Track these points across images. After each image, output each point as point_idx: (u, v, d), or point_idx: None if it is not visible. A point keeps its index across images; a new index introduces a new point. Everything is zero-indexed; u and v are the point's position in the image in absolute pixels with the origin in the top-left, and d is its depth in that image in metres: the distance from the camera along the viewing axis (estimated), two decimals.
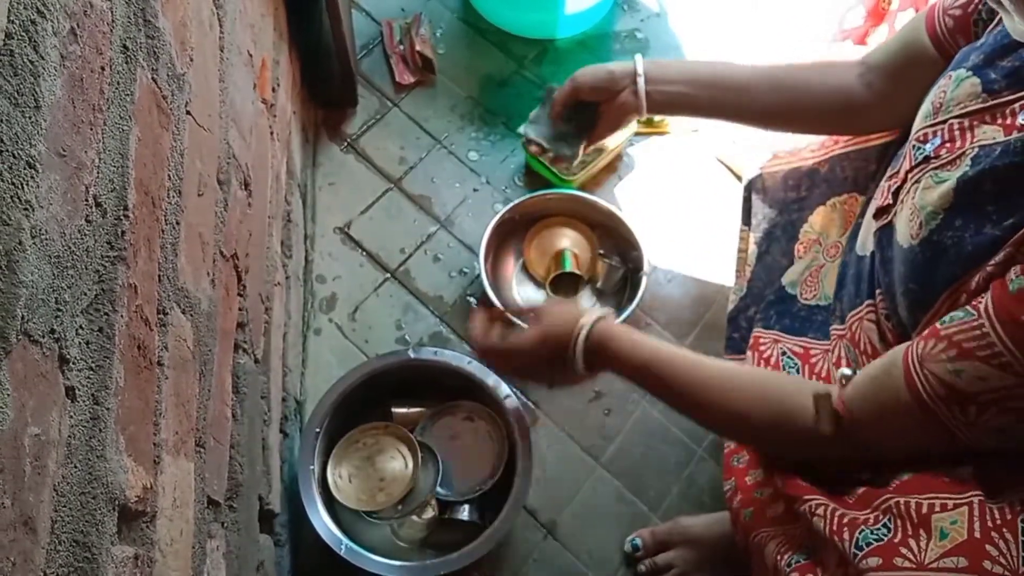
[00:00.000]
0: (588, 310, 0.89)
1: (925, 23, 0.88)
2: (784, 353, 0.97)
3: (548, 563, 1.14)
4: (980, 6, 0.82)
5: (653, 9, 1.60)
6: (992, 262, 0.66)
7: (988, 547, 0.59)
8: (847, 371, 0.76)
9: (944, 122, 0.76)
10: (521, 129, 1.14)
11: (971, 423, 0.64)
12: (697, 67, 1.04)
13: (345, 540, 1.02)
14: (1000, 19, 0.76)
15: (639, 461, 1.21)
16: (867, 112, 0.96)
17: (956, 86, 0.77)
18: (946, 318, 0.67)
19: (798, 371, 0.95)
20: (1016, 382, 0.61)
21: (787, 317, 1.00)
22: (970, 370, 0.63)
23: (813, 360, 0.95)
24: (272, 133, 1.06)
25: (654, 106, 1.01)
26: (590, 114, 1.08)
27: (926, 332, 0.68)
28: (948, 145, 0.75)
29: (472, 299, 1.31)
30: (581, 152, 1.11)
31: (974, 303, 0.65)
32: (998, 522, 0.60)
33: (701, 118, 1.19)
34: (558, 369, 0.90)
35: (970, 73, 0.76)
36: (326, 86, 1.38)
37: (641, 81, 1.00)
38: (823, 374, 0.92)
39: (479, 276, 1.27)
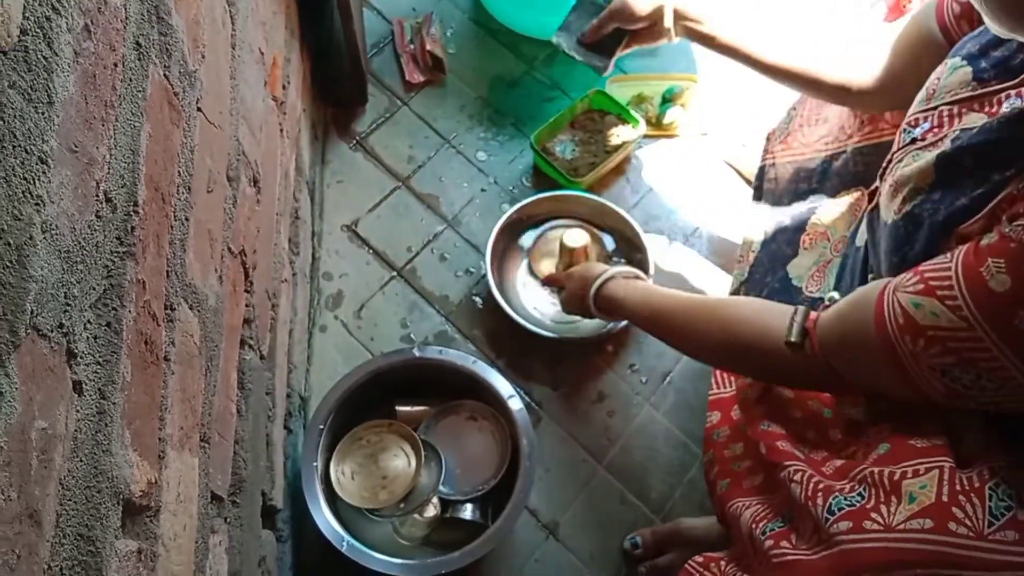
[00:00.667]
0: (599, 272, 1.06)
1: (935, 9, 0.90)
2: None
3: (549, 563, 1.14)
4: None
5: None
6: (964, 227, 0.69)
7: (955, 509, 0.62)
8: (835, 295, 0.81)
9: (935, 108, 0.79)
10: (554, 39, 1.20)
11: (917, 355, 0.67)
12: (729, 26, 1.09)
13: (347, 537, 1.02)
14: None
15: (641, 463, 1.21)
16: (877, 93, 0.99)
17: (950, 73, 0.79)
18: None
19: None
20: (963, 326, 0.63)
21: (787, 303, 1.02)
22: (927, 305, 0.66)
23: None
24: (282, 130, 1.06)
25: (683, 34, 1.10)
26: (620, 31, 1.14)
27: (913, 267, 0.71)
28: (935, 130, 0.78)
29: (478, 299, 1.31)
30: (611, 66, 1.17)
31: (954, 251, 0.68)
32: (966, 487, 0.63)
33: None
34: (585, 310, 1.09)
35: (964, 62, 0.78)
36: (336, 84, 1.39)
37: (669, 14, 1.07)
38: None
39: (485, 276, 1.27)
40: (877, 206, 0.84)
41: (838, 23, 1.16)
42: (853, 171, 1.06)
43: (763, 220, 1.16)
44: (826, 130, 1.10)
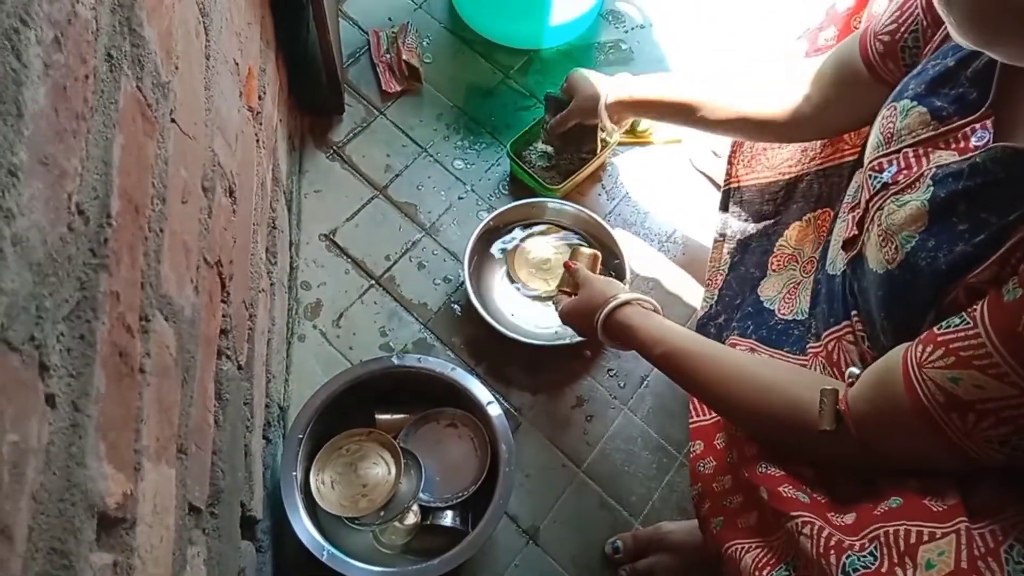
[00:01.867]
0: (617, 292, 1.01)
1: (859, 44, 0.92)
2: None
3: (530, 569, 1.14)
4: (907, 35, 0.86)
5: (637, 20, 1.61)
6: (973, 276, 0.66)
7: None
8: (855, 370, 0.76)
9: (898, 151, 0.78)
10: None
11: (969, 431, 0.64)
12: (654, 85, 1.18)
13: (327, 546, 1.02)
14: (936, 45, 0.81)
15: (621, 467, 1.21)
16: (804, 123, 1.02)
17: (904, 115, 0.79)
18: (943, 323, 0.67)
19: None
20: (1014, 393, 0.61)
21: (764, 329, 1.02)
22: (967, 379, 0.63)
23: None
24: (258, 141, 1.06)
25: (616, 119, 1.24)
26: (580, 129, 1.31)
27: (924, 336, 0.68)
28: (905, 171, 0.77)
29: (456, 306, 1.32)
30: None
31: (969, 310, 0.65)
32: (983, 551, 0.60)
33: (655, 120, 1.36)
34: (588, 331, 1.04)
35: (915, 103, 0.78)
36: (313, 94, 1.39)
37: (602, 105, 1.21)
38: None
39: (463, 283, 1.28)
40: (860, 255, 0.83)
41: (764, 57, 1.21)
42: (817, 192, 1.07)
43: (729, 239, 1.17)
44: (789, 153, 1.12)
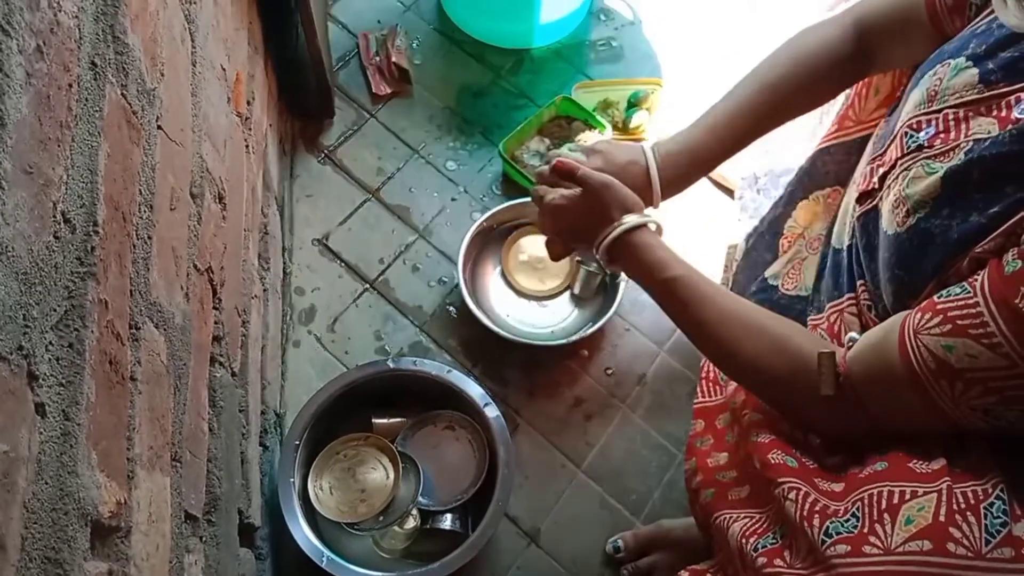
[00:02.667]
0: (634, 207, 0.91)
1: None
2: None
3: (531, 570, 1.14)
4: None
5: (628, 18, 1.61)
6: (979, 247, 0.66)
7: (952, 529, 0.60)
8: (855, 335, 0.76)
9: (939, 111, 0.76)
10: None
11: (956, 399, 0.65)
12: (697, 136, 0.98)
13: (327, 552, 1.02)
14: None
15: (620, 466, 1.21)
16: (853, 69, 0.95)
17: (954, 75, 0.76)
18: (943, 292, 0.67)
19: None
20: (1005, 364, 0.61)
21: (768, 304, 1.01)
22: (961, 347, 0.63)
23: None
24: (247, 146, 1.06)
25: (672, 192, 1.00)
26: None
27: (924, 304, 0.68)
28: (943, 136, 0.75)
29: (452, 308, 1.31)
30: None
31: (970, 280, 0.65)
32: (963, 506, 0.61)
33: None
34: (582, 239, 0.94)
35: (969, 63, 0.75)
36: (303, 98, 1.39)
37: (656, 184, 0.97)
38: None
39: (458, 285, 1.28)
40: (875, 209, 0.82)
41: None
42: (823, 171, 1.06)
43: (743, 226, 1.16)
44: (799, 136, 1.10)
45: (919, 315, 0.68)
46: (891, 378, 0.69)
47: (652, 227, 0.92)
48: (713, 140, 0.97)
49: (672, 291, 0.87)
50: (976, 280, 0.64)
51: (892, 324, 0.71)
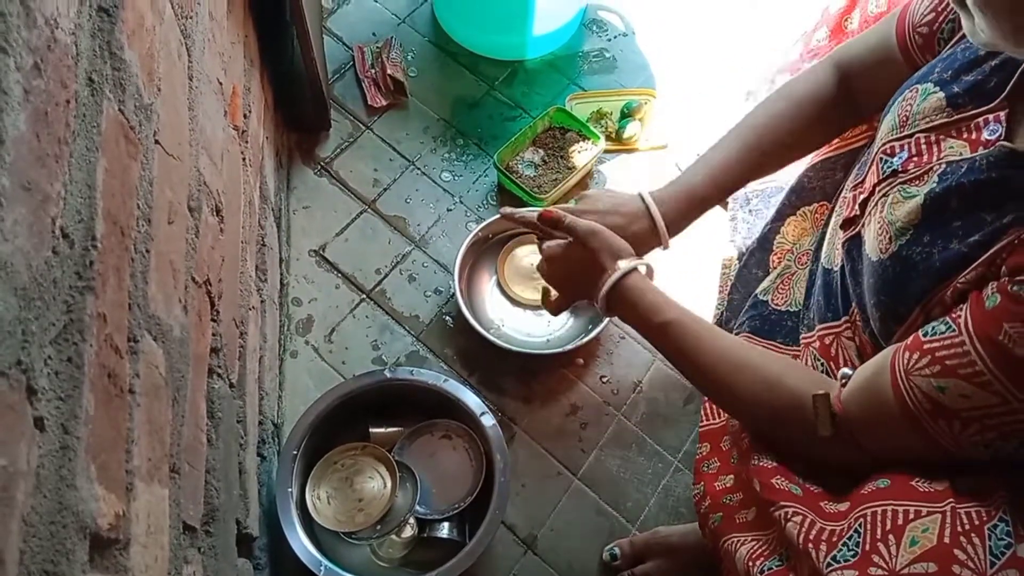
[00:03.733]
0: (628, 256, 0.92)
1: (896, 31, 0.88)
2: None
3: None
4: (944, 24, 0.83)
5: (620, 29, 1.63)
6: (962, 277, 0.67)
7: (956, 551, 0.60)
8: (848, 371, 0.76)
9: (911, 136, 0.78)
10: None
11: (956, 436, 0.65)
12: (692, 178, 1.01)
13: (324, 562, 1.02)
14: (963, 35, 0.77)
15: (616, 473, 1.22)
16: (840, 112, 0.97)
17: (923, 99, 0.78)
18: (928, 328, 0.67)
19: None
20: (998, 401, 0.61)
21: (757, 320, 1.02)
22: (953, 387, 0.63)
23: None
24: (244, 159, 1.07)
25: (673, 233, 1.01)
26: None
27: (910, 341, 0.68)
28: (915, 159, 0.76)
29: (448, 317, 1.32)
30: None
31: (954, 315, 0.65)
32: (967, 527, 0.61)
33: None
34: (581, 292, 0.96)
35: (936, 88, 0.77)
36: (299, 111, 1.40)
37: (660, 222, 0.98)
38: None
39: (454, 295, 1.28)
40: (858, 235, 0.82)
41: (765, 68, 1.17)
42: (809, 187, 1.08)
43: (739, 249, 1.17)
44: None
45: (907, 354, 0.68)
46: (888, 418, 0.69)
47: (643, 270, 0.93)
48: (709, 181, 0.98)
49: (666, 335, 0.88)
50: (959, 316, 0.65)
51: (882, 362, 0.71)
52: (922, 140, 0.76)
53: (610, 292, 0.91)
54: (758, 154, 0.98)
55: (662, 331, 0.88)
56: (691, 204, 0.99)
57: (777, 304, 1.03)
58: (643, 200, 0.99)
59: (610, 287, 0.90)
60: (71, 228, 0.51)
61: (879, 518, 0.65)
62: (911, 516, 0.64)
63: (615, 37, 1.62)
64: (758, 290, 1.07)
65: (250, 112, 1.13)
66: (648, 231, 0.98)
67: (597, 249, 0.92)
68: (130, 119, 0.63)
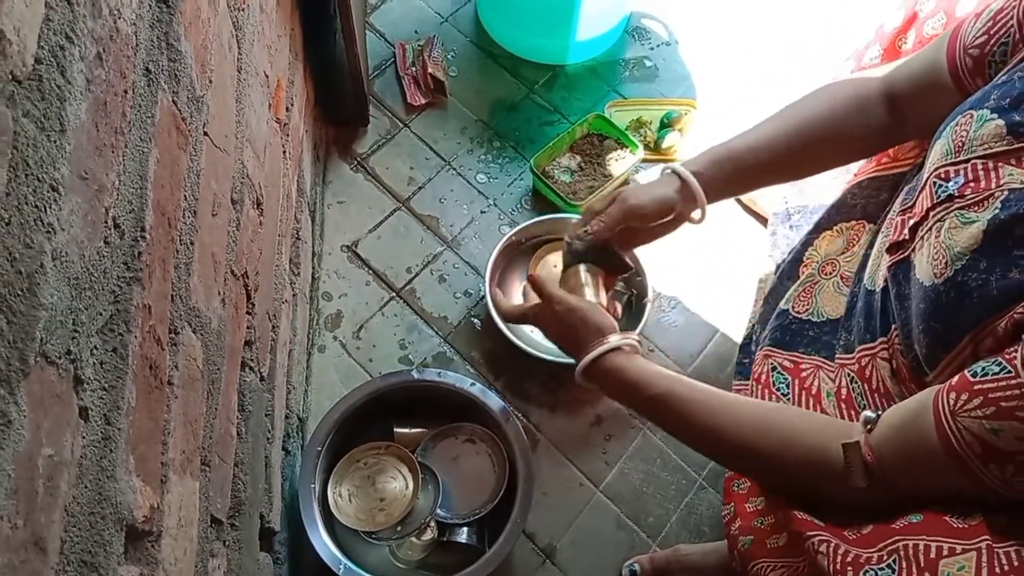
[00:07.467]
0: (610, 332, 0.92)
1: (946, 56, 0.87)
2: (774, 368, 0.96)
3: None
4: (995, 47, 0.81)
5: (663, 37, 1.61)
6: (1020, 308, 0.65)
7: None
8: (870, 414, 0.74)
9: (967, 161, 0.76)
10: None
11: (1008, 480, 0.63)
12: (720, 149, 0.99)
13: (344, 560, 1.02)
14: (1019, 61, 0.76)
15: (639, 488, 1.20)
16: (886, 133, 0.96)
17: (980, 126, 0.76)
18: (977, 369, 0.65)
19: (788, 386, 0.94)
20: None
21: (778, 331, 1.01)
22: (1009, 430, 0.61)
23: (803, 374, 0.94)
24: (285, 152, 1.07)
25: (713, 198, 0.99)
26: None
27: (956, 382, 0.66)
28: (972, 184, 0.74)
29: (476, 320, 1.31)
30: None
31: (1008, 355, 0.63)
32: (1005, 568, 0.59)
33: (745, 192, 1.17)
34: (571, 349, 0.95)
35: (994, 115, 0.75)
36: (338, 105, 1.40)
37: (696, 185, 0.96)
38: (814, 390, 0.92)
39: (484, 298, 1.28)
40: (906, 260, 0.81)
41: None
42: (851, 204, 1.06)
43: (775, 258, 1.15)
44: (835, 173, 1.10)
45: (954, 395, 0.65)
46: (931, 462, 0.67)
47: (627, 349, 0.91)
48: (743, 144, 0.97)
49: (654, 408, 0.87)
50: (1015, 357, 0.62)
51: (923, 403, 0.69)
52: (979, 166, 0.74)
53: (586, 369, 0.92)
54: (798, 142, 0.96)
55: (651, 405, 0.87)
56: (732, 162, 0.97)
57: (798, 312, 1.01)
58: (676, 173, 0.98)
59: (585, 366, 0.91)
60: (123, 219, 0.51)
61: (911, 551, 0.64)
62: (944, 552, 0.62)
63: (658, 46, 1.60)
64: (782, 300, 1.05)
65: (292, 105, 1.13)
66: (681, 201, 0.97)
67: (574, 324, 0.94)
68: (182, 110, 0.63)
